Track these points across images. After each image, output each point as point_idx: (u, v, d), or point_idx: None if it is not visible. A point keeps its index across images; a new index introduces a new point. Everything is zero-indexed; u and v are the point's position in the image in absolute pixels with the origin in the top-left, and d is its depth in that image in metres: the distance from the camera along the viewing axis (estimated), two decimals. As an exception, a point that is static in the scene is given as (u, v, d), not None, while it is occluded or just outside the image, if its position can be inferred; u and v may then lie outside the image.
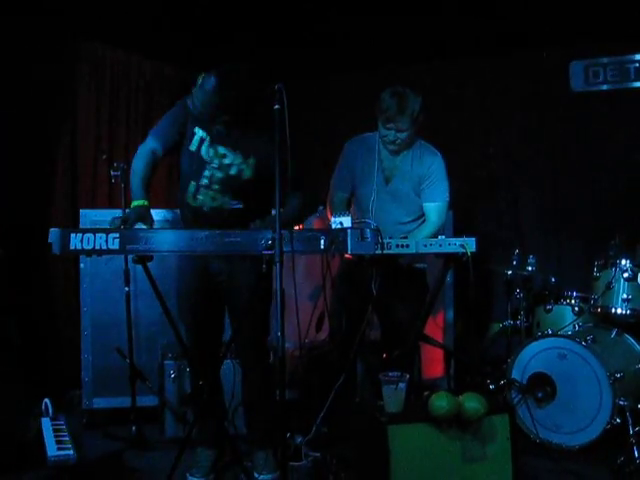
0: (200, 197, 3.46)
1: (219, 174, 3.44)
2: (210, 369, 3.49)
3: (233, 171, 3.44)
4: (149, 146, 3.49)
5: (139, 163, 3.45)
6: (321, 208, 4.46)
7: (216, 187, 3.44)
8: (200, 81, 3.28)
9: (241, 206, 3.47)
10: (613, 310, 4.21)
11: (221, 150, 3.43)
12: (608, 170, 5.22)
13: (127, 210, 3.49)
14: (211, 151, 3.43)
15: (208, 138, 3.43)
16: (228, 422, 3.83)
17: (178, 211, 3.71)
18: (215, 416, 3.62)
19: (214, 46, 5.06)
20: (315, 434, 3.59)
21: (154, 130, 3.55)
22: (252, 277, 3.35)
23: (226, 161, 3.44)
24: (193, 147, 3.44)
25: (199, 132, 3.44)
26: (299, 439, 3.68)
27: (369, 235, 2.95)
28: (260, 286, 3.41)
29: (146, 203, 3.32)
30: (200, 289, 3.55)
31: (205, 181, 3.44)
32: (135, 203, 3.32)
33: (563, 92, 5.37)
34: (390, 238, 3.33)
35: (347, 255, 3.17)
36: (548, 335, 4.12)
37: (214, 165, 3.43)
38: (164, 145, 3.49)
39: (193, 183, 3.46)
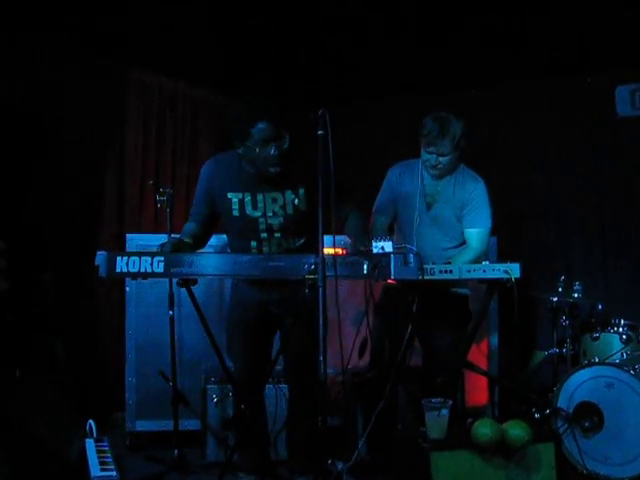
0: (265, 249, 3.43)
1: (277, 220, 3.40)
2: (255, 395, 3.50)
3: (290, 210, 3.39)
4: (191, 226, 3.51)
5: (184, 229, 3.50)
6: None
7: (278, 235, 3.42)
8: (249, 139, 3.21)
9: (303, 240, 3.46)
10: (662, 338, 4.12)
11: (270, 196, 3.38)
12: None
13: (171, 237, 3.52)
14: (259, 204, 3.38)
15: (248, 196, 3.38)
16: (270, 447, 3.83)
17: (224, 236, 3.71)
18: (257, 442, 3.62)
19: (255, 73, 5.12)
20: (356, 461, 3.56)
21: (191, 211, 3.57)
22: (305, 304, 3.37)
23: (279, 204, 3.39)
24: (236, 213, 3.40)
25: (234, 196, 3.39)
26: (340, 466, 3.66)
27: (412, 260, 2.95)
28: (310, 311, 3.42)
29: (187, 240, 3.34)
30: (257, 319, 3.53)
31: (264, 235, 3.41)
32: (177, 238, 3.36)
33: (609, 117, 5.31)
34: (433, 264, 3.32)
35: (390, 280, 3.16)
36: (595, 363, 4.04)
37: (268, 214, 3.38)
38: (204, 222, 3.51)
39: (253, 240, 3.43)
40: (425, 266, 3.09)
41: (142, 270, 2.96)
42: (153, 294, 4.49)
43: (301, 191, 3.39)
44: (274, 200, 3.38)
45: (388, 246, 3.25)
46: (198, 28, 4.75)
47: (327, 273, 2.80)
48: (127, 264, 2.96)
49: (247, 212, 3.39)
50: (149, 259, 2.95)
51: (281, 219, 3.40)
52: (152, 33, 4.72)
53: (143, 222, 5.30)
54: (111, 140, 5.17)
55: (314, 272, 2.83)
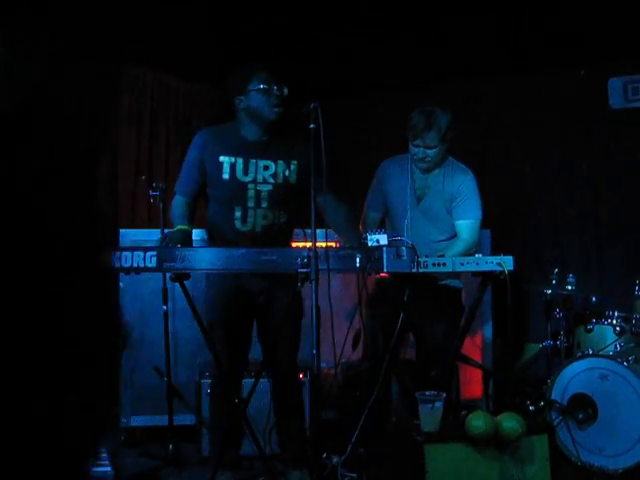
0: (250, 219, 3.44)
1: (266, 187, 3.45)
2: (238, 386, 3.50)
3: (280, 180, 3.46)
4: (179, 201, 3.53)
5: (176, 211, 3.50)
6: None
7: (265, 204, 3.44)
8: (250, 83, 3.38)
9: (286, 219, 3.49)
10: (656, 330, 4.13)
11: (262, 163, 3.44)
12: (650, 188, 5.15)
13: (168, 231, 3.50)
14: (250, 169, 3.43)
15: (240, 160, 3.44)
16: (265, 442, 3.82)
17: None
18: (236, 438, 3.62)
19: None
20: (351, 454, 3.57)
21: (178, 185, 3.57)
22: (289, 297, 3.39)
23: (270, 172, 3.45)
24: (226, 175, 3.43)
25: (226, 159, 3.44)
26: (335, 459, 3.67)
27: (405, 253, 2.96)
28: (295, 305, 3.43)
29: (187, 228, 3.36)
30: (239, 306, 3.52)
31: (251, 203, 3.43)
32: (177, 227, 3.36)
33: (603, 109, 5.31)
34: (426, 256, 3.32)
35: (382, 273, 3.17)
36: (589, 355, 4.05)
37: (259, 180, 3.43)
38: (192, 195, 3.53)
39: (238, 208, 3.44)
40: (418, 259, 3.09)
41: (135, 265, 2.96)
42: (147, 289, 4.49)
43: (293, 164, 3.48)
44: (266, 167, 3.45)
45: (383, 239, 3.26)
46: (192, 22, 4.73)
47: (320, 266, 2.80)
48: (120, 259, 2.95)
49: (237, 176, 3.43)
50: (142, 254, 2.95)
51: (270, 187, 3.45)
52: (145, 27, 4.69)
53: (136, 217, 5.29)
54: (104, 135, 5.15)
55: (307, 265, 2.82)
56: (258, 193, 3.44)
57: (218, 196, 3.50)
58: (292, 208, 3.50)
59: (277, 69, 3.45)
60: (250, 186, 3.43)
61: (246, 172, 3.44)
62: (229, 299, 3.49)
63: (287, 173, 3.47)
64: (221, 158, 3.43)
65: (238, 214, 3.44)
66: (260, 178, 3.44)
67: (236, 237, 3.42)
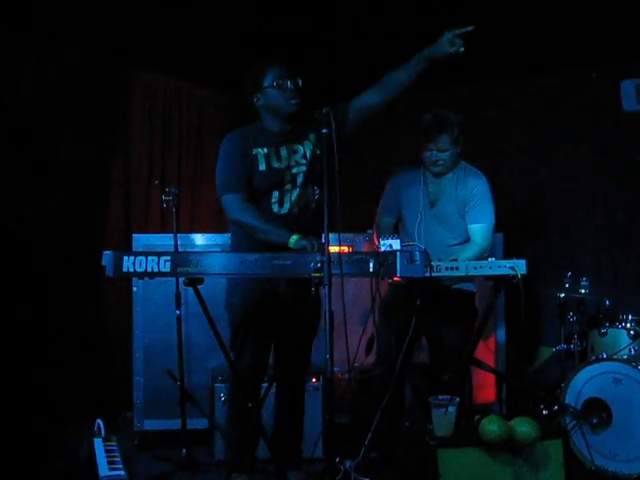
0: (286, 201, 3.50)
1: (300, 169, 3.51)
2: (258, 390, 3.51)
3: (310, 157, 3.53)
4: (237, 199, 3.45)
5: (247, 217, 3.42)
6: (370, 232, 4.47)
7: (300, 182, 3.51)
8: (264, 80, 3.45)
9: (319, 195, 3.53)
10: (670, 334, 4.11)
11: (291, 149, 3.52)
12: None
13: (298, 243, 3.30)
14: (283, 155, 3.50)
15: (272, 149, 3.50)
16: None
17: (229, 235, 3.70)
18: (252, 440, 3.63)
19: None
20: (364, 458, 3.56)
21: (227, 184, 3.49)
22: (310, 298, 3.39)
23: (300, 153, 3.53)
24: (262, 167, 3.48)
25: (259, 151, 3.49)
26: (348, 464, 3.66)
27: (418, 258, 2.95)
28: (316, 308, 3.44)
29: (298, 235, 3.26)
30: (265, 307, 3.49)
31: (289, 185, 3.50)
32: (295, 238, 3.25)
33: (615, 112, 5.29)
34: (439, 260, 3.32)
35: (396, 278, 3.17)
36: (603, 359, 4.03)
37: (292, 164, 3.50)
38: (247, 189, 3.49)
39: (275, 193, 3.49)
40: (431, 263, 3.09)
41: (149, 270, 2.96)
42: (160, 294, 4.50)
43: (313, 137, 3.55)
44: (295, 151, 3.53)
45: (396, 244, 3.28)
46: (203, 28, 4.74)
47: (333, 271, 2.81)
48: (134, 264, 2.96)
49: (273, 165, 3.49)
50: (156, 259, 2.95)
51: (304, 168, 3.52)
52: (157, 33, 4.71)
53: (149, 222, 5.31)
54: (117, 140, 5.18)
55: (320, 270, 2.83)
56: (294, 176, 3.50)
57: (255, 187, 3.51)
58: (322, 179, 3.34)
59: (289, 60, 3.52)
60: (286, 172, 3.50)
61: (279, 159, 3.50)
62: (256, 300, 3.47)
63: (312, 147, 3.55)
64: (254, 151, 3.50)
65: (275, 199, 3.49)
66: (293, 162, 3.51)
67: (275, 220, 3.43)
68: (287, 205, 3.49)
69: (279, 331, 3.60)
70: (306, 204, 3.52)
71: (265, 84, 3.44)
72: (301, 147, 3.54)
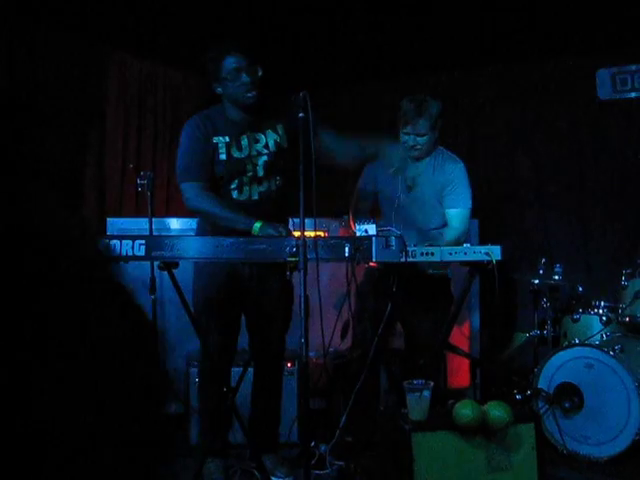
0: (246, 189, 3.49)
1: (262, 159, 3.49)
2: (228, 374, 3.51)
3: (272, 147, 3.51)
4: (196, 187, 3.43)
5: (207, 205, 3.40)
6: (346, 217, 4.47)
7: (261, 173, 3.50)
8: (222, 71, 3.37)
9: (282, 184, 3.54)
10: (642, 320, 4.16)
11: (252, 137, 3.49)
12: (636, 179, 5.17)
13: (263, 230, 3.28)
14: (244, 144, 3.47)
15: (233, 138, 3.48)
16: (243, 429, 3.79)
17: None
18: (225, 424, 3.63)
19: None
20: (339, 442, 3.58)
21: (185, 173, 3.47)
22: (280, 283, 3.41)
23: (261, 143, 3.51)
24: (223, 156, 3.47)
25: (220, 140, 3.47)
26: (323, 447, 3.68)
27: (394, 243, 2.95)
28: (286, 290, 3.44)
29: (261, 222, 3.25)
30: (229, 292, 3.51)
31: (250, 174, 3.49)
32: (258, 225, 3.24)
33: (590, 100, 5.33)
34: (414, 246, 3.32)
35: (371, 263, 3.17)
36: (575, 345, 4.07)
37: (253, 154, 3.48)
38: (207, 178, 3.47)
39: (235, 181, 3.49)
40: (407, 248, 3.09)
41: (123, 254, 2.94)
42: (134, 278, 4.47)
43: (280, 129, 3.53)
44: (256, 140, 3.50)
45: (371, 229, 3.27)
46: (180, 11, 4.70)
47: (308, 256, 2.80)
48: (108, 248, 2.94)
49: (233, 154, 3.47)
50: (130, 242, 2.93)
51: (265, 157, 3.50)
52: (133, 15, 4.66)
53: (124, 206, 5.27)
54: (91, 123, 5.12)
55: (296, 255, 2.82)
56: (254, 166, 3.49)
57: (217, 174, 3.50)
58: (287, 173, 3.54)
59: (248, 45, 3.44)
60: (247, 161, 3.48)
61: (240, 148, 3.48)
62: (219, 285, 3.48)
63: (278, 140, 3.52)
64: (215, 139, 3.47)
65: (234, 185, 3.49)
66: (254, 152, 3.49)
67: (236, 206, 3.43)
68: (246, 192, 3.49)
69: (249, 316, 3.60)
70: (267, 193, 3.51)
71: (222, 75, 3.38)
72: (263, 136, 3.51)
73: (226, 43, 3.42)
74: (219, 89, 3.45)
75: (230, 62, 3.35)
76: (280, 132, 3.53)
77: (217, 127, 3.48)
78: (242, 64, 3.35)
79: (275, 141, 3.51)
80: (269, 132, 3.52)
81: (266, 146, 3.51)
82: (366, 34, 5.17)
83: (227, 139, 3.47)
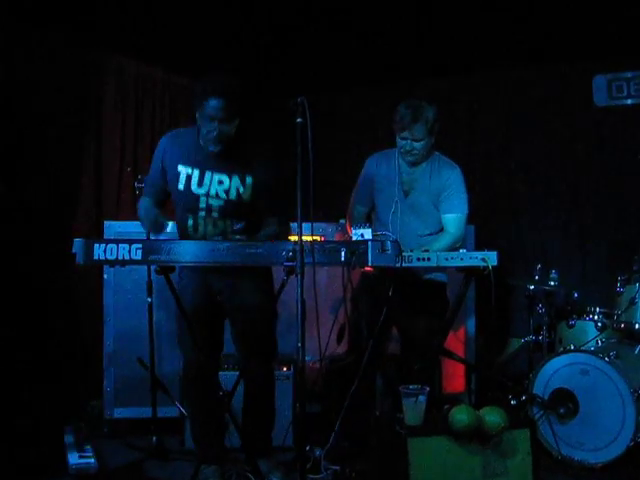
0: (200, 229, 3.47)
1: (218, 202, 3.44)
2: (216, 383, 3.50)
3: (232, 196, 3.44)
4: (146, 202, 3.52)
5: (142, 212, 3.46)
6: (342, 222, 4.48)
7: (215, 215, 3.46)
8: (201, 109, 3.30)
9: (242, 225, 3.47)
10: (637, 326, 4.17)
11: (217, 177, 3.43)
12: (631, 185, 5.18)
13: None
14: (206, 181, 3.42)
15: (196, 172, 3.43)
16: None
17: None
18: (219, 431, 3.63)
19: (234, 61, 5.09)
20: (334, 445, 3.59)
21: (145, 186, 3.64)
22: (253, 294, 3.46)
23: (224, 187, 3.44)
24: (181, 186, 3.45)
25: (183, 170, 3.44)
26: (318, 452, 3.69)
27: (390, 247, 2.96)
28: (265, 302, 3.47)
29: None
30: (201, 302, 3.52)
31: (202, 213, 3.45)
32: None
33: (586, 107, 5.35)
34: (411, 251, 3.34)
35: (367, 267, 3.18)
36: (570, 350, 4.08)
37: (211, 194, 3.43)
38: (156, 199, 3.53)
39: (190, 217, 3.47)
40: (403, 253, 3.10)
41: (120, 257, 2.94)
42: (131, 281, 4.49)
43: (248, 180, 3.44)
44: (220, 182, 3.44)
45: (367, 233, 3.28)
46: (178, 15, 4.70)
47: (305, 260, 2.81)
48: (105, 251, 2.94)
49: (192, 188, 3.44)
50: (127, 246, 2.94)
51: (222, 202, 3.45)
52: (131, 19, 4.66)
53: (121, 209, 5.26)
54: (88, 127, 5.12)
55: (292, 259, 2.83)
56: (209, 206, 3.45)
57: (176, 203, 3.55)
58: (250, 215, 3.49)
59: (234, 90, 3.32)
60: (202, 199, 3.44)
61: (200, 184, 3.43)
62: (193, 294, 3.51)
63: (241, 190, 3.44)
64: (179, 168, 3.45)
65: (190, 222, 3.48)
66: (213, 192, 3.43)
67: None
68: (201, 230, 3.48)
69: (231, 324, 3.61)
70: (222, 233, 3.45)
71: (200, 112, 3.32)
72: (228, 180, 3.43)
73: (214, 83, 3.31)
74: (197, 115, 3.37)
75: (210, 106, 3.27)
76: (247, 183, 3.44)
77: (185, 154, 3.45)
78: (219, 116, 3.27)
79: (238, 191, 3.43)
80: (235, 177, 3.43)
81: (227, 191, 3.43)
82: (364, 39, 5.19)
83: (189, 170, 3.43)
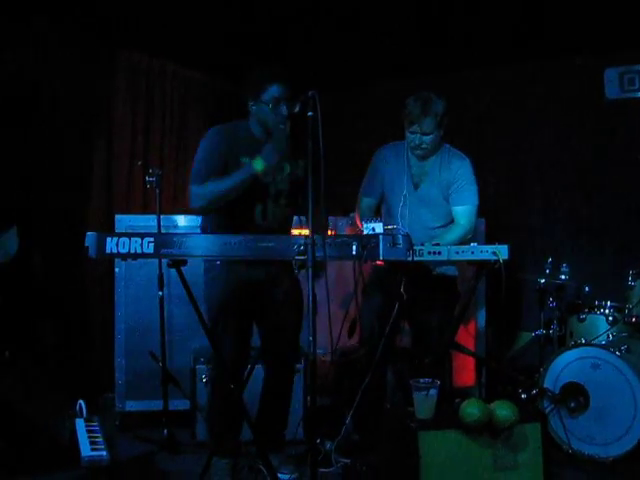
0: (270, 215, 3.52)
1: (284, 186, 3.54)
2: (242, 377, 3.52)
3: (294, 178, 3.56)
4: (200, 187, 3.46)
5: (207, 188, 3.40)
6: (352, 215, 4.48)
7: (283, 201, 3.55)
8: (263, 94, 3.40)
9: (292, 209, 3.61)
10: (648, 320, 4.17)
11: (278, 165, 3.46)
12: (643, 178, 5.17)
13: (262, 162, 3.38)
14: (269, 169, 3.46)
15: None
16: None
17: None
18: (235, 425, 3.64)
19: (244, 55, 5.09)
20: (345, 438, 3.60)
21: (197, 178, 3.46)
22: (291, 282, 3.50)
23: (286, 172, 3.54)
24: None
25: (247, 161, 3.42)
26: (329, 445, 3.70)
27: (401, 241, 2.96)
28: (297, 289, 3.49)
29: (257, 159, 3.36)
30: (246, 298, 3.53)
31: (271, 200, 3.52)
32: (258, 164, 3.33)
33: (597, 100, 5.32)
34: (422, 245, 3.33)
35: (378, 261, 3.18)
36: (581, 344, 4.08)
37: (277, 180, 3.51)
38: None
39: (259, 205, 3.50)
40: (414, 247, 3.10)
41: (132, 251, 2.94)
42: (142, 275, 4.50)
43: (301, 162, 3.54)
44: (282, 168, 3.52)
45: (379, 227, 3.28)
46: (188, 8, 4.70)
47: (316, 254, 2.81)
48: (117, 245, 2.94)
49: (259, 177, 3.44)
50: (139, 240, 2.94)
51: (287, 186, 3.55)
52: (140, 12, 4.67)
53: (131, 203, 5.28)
54: (99, 121, 5.13)
55: (303, 253, 2.83)
56: (278, 192, 3.52)
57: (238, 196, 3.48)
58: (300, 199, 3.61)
59: (292, 76, 3.47)
60: (271, 186, 3.50)
61: (266, 173, 3.44)
62: (235, 292, 3.49)
63: (299, 171, 3.56)
64: (242, 159, 3.45)
65: (259, 210, 3.50)
66: (278, 178, 3.51)
67: (255, 231, 3.39)
68: (270, 217, 3.52)
69: (262, 317, 3.61)
70: (282, 221, 3.57)
71: (262, 98, 3.42)
72: (288, 165, 3.54)
73: (275, 69, 3.46)
74: (253, 107, 3.47)
75: (275, 90, 3.40)
76: (301, 165, 3.55)
77: (243, 145, 3.48)
78: (285, 95, 3.39)
79: (296, 173, 3.56)
80: (293, 162, 3.54)
81: (290, 174, 3.55)
82: (375, 36, 5.18)
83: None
